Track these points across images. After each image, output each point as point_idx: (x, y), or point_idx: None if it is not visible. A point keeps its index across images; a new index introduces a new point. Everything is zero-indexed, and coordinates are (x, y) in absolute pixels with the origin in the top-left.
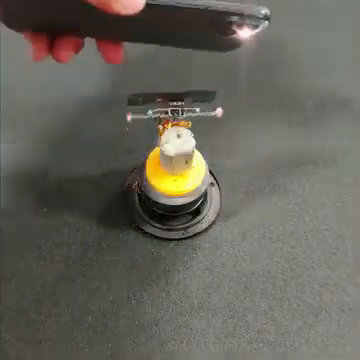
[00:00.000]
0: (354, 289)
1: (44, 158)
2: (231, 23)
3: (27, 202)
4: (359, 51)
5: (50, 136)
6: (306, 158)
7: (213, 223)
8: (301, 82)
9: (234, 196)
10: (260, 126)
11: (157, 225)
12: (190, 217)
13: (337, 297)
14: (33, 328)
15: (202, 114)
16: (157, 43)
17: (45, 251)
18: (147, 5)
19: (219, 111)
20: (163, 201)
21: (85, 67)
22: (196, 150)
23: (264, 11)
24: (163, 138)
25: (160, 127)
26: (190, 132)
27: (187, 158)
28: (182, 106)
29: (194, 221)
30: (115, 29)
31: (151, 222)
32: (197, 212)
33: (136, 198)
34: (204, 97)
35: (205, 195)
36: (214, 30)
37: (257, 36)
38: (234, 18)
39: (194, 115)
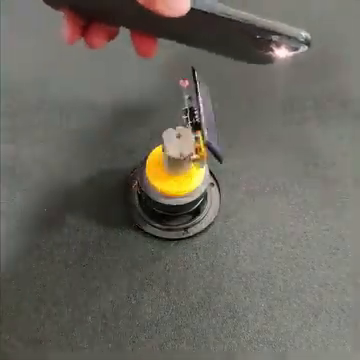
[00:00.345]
0: (354, 289)
1: (44, 158)
2: (271, 41)
3: (27, 202)
4: (359, 51)
5: (50, 136)
6: (306, 158)
7: (213, 223)
8: (301, 82)
9: (234, 196)
10: (260, 126)
11: (157, 225)
12: (190, 217)
13: (337, 297)
14: (33, 328)
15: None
16: (191, 45)
17: (45, 251)
18: (191, 9)
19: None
20: (163, 201)
21: (85, 67)
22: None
23: (306, 35)
24: (164, 138)
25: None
26: (191, 132)
27: (188, 158)
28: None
29: (194, 221)
30: (153, 25)
31: (151, 222)
32: (197, 212)
33: (136, 198)
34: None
35: (205, 195)
36: (252, 44)
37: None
38: (275, 37)
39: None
